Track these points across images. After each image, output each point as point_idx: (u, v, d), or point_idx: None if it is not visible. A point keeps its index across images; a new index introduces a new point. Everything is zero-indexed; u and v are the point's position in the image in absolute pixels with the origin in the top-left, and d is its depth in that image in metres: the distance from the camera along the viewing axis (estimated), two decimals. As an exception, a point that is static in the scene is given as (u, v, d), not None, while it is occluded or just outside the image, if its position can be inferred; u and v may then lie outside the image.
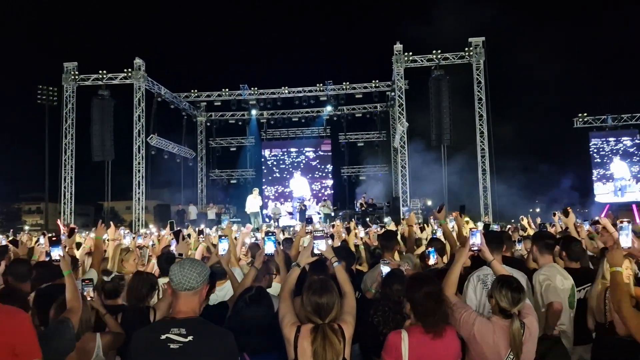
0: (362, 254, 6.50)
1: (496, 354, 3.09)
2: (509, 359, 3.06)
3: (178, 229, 5.71)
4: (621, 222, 3.18)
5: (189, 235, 6.65)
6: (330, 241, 4.36)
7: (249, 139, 29.00)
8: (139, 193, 21.85)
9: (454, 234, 5.52)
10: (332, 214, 22.15)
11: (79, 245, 6.75)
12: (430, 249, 4.80)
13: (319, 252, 3.42)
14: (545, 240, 4.43)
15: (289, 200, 27.50)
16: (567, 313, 4.09)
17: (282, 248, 5.64)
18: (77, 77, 21.96)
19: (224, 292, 4.60)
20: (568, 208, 5.67)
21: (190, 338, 2.39)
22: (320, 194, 27.65)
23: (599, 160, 26.60)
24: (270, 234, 4.14)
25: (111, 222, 6.87)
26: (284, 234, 11.80)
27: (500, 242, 4.28)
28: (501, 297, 3.09)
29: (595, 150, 26.58)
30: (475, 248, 3.59)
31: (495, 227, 9.08)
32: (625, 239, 3.14)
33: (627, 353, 3.40)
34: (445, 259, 5.35)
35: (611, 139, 26.48)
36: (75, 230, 5.55)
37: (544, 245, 4.36)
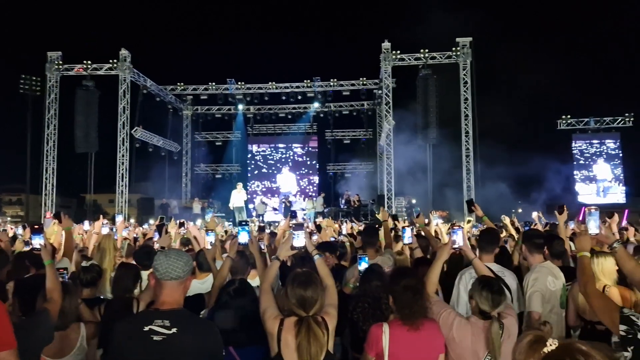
0: (348, 250, 6.53)
1: (474, 355, 3.10)
2: (487, 358, 3.06)
3: (161, 223, 5.69)
4: (589, 209, 3.22)
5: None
6: (315, 237, 4.35)
7: (235, 134, 28.85)
8: (122, 186, 21.60)
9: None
10: (320, 210, 22.14)
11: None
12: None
13: (299, 245, 3.40)
14: (534, 240, 4.37)
15: (276, 195, 27.46)
16: (561, 313, 4.10)
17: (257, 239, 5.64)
18: (60, 66, 21.63)
19: (206, 284, 4.58)
20: (564, 206, 5.73)
21: (174, 330, 2.36)
22: (307, 190, 27.65)
23: (582, 161, 27.04)
24: (243, 223, 4.12)
25: (101, 216, 6.83)
26: (268, 228, 11.77)
27: (493, 242, 4.31)
28: (482, 300, 3.09)
29: (578, 152, 27.00)
30: (457, 246, 3.62)
31: (479, 226, 9.13)
32: (594, 225, 3.17)
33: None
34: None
35: (595, 141, 26.94)
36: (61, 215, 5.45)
37: (533, 245, 4.31)
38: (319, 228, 7.91)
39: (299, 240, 3.40)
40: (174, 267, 2.46)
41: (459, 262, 4.46)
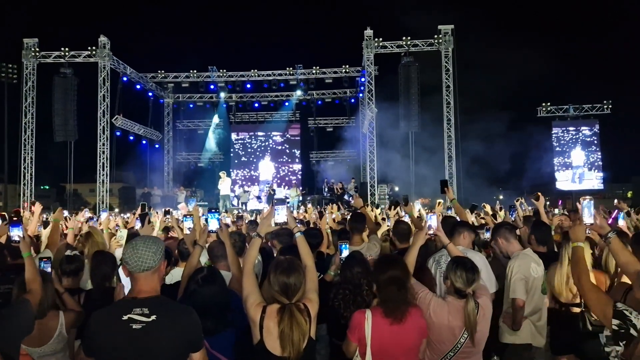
0: (330, 238, 6.55)
1: (451, 334, 3.17)
2: (463, 338, 3.15)
3: (144, 212, 5.65)
4: (584, 198, 3.23)
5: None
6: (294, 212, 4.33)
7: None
8: (103, 175, 21.34)
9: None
10: (300, 198, 22.18)
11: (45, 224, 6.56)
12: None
13: (281, 221, 3.39)
14: (504, 227, 4.41)
15: (256, 184, 27.37)
16: (542, 299, 4.18)
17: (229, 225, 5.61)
18: (37, 54, 21.15)
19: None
20: (538, 193, 5.86)
21: (153, 317, 2.35)
22: (287, 178, 27.59)
23: (559, 149, 27.41)
24: (213, 210, 4.09)
25: (87, 209, 6.77)
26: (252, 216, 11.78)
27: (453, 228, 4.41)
28: (456, 278, 3.17)
29: (555, 139, 27.35)
30: (431, 232, 3.69)
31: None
32: (588, 215, 3.15)
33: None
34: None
35: (571, 128, 27.30)
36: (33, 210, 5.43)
37: (507, 232, 4.34)
38: (321, 214, 7.94)
39: (281, 215, 3.39)
40: (144, 259, 2.42)
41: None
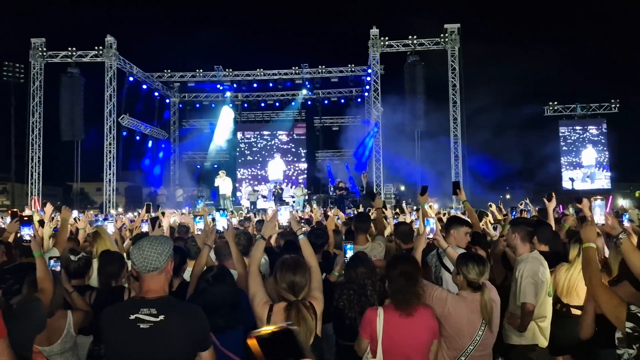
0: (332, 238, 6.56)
1: (471, 326, 3.22)
2: (481, 330, 3.20)
3: (155, 216, 5.68)
4: (595, 199, 3.20)
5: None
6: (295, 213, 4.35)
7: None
8: (109, 174, 21.43)
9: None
10: (306, 197, 22.15)
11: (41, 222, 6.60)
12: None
13: (285, 223, 3.42)
14: (527, 228, 4.32)
15: (263, 183, 27.35)
16: (548, 301, 4.15)
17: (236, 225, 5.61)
18: (45, 53, 21.28)
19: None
20: (552, 193, 5.86)
21: (161, 317, 2.37)
22: (293, 177, 27.57)
23: (566, 148, 27.27)
24: (221, 210, 4.10)
25: (91, 212, 6.79)
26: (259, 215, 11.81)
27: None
28: (469, 270, 3.21)
29: (562, 138, 27.21)
30: (431, 236, 3.71)
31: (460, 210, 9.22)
32: (599, 216, 3.12)
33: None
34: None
35: (578, 127, 27.16)
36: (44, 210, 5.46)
37: (527, 234, 4.27)
38: (326, 215, 7.96)
39: (283, 217, 3.41)
40: (150, 260, 2.44)
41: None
